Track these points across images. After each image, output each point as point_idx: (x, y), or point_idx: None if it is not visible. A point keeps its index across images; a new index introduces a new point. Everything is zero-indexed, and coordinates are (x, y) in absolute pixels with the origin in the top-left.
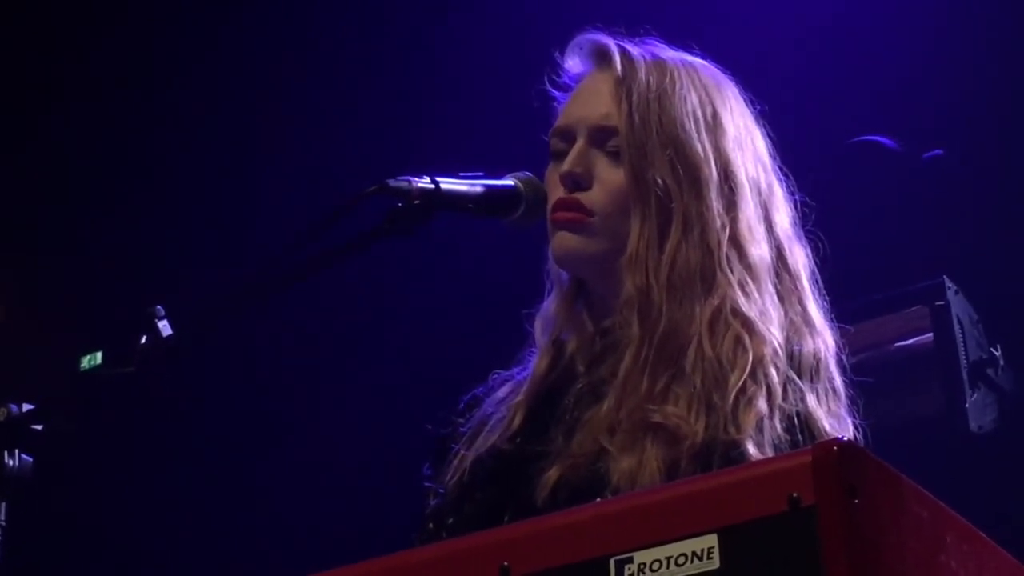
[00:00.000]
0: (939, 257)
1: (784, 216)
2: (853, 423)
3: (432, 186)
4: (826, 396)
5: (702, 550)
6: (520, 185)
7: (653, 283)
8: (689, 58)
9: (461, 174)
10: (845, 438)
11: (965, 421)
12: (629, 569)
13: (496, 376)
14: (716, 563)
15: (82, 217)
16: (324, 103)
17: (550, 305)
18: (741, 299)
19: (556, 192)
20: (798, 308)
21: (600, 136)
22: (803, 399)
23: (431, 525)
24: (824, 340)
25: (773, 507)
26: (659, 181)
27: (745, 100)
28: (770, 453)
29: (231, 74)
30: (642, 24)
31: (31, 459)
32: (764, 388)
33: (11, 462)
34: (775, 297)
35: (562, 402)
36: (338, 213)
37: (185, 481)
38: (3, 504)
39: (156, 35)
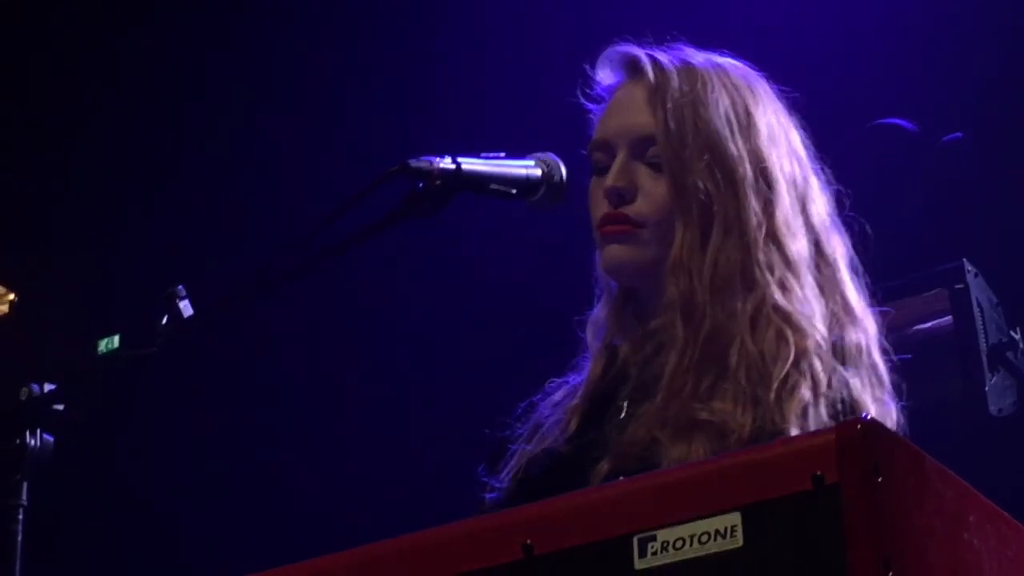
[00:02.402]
0: (959, 240)
1: (821, 207)
2: (896, 407)
3: (453, 167)
4: (870, 383)
5: (725, 528)
6: (542, 166)
7: (696, 286)
8: (718, 59)
9: (482, 154)
10: (869, 416)
11: (984, 404)
12: (652, 547)
13: (552, 384)
14: (739, 541)
15: (103, 199)
16: (345, 85)
17: (600, 312)
18: (781, 296)
19: (601, 207)
20: (838, 299)
21: (640, 147)
22: (847, 386)
23: None
24: (865, 328)
25: (797, 485)
26: (699, 186)
27: (776, 93)
28: None
29: (252, 57)
30: (659, 12)
31: (52, 439)
32: (808, 378)
33: (32, 442)
34: (816, 289)
35: (615, 402)
36: (359, 194)
37: (203, 464)
38: (24, 484)
39: (172, 20)
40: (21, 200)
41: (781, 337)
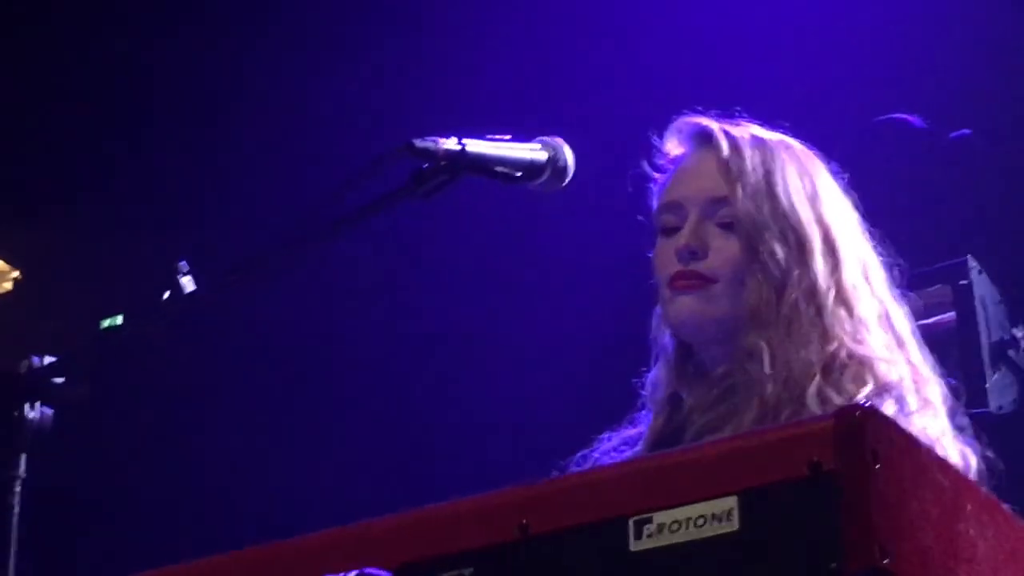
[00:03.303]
0: (964, 237)
1: (881, 277)
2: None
3: (458, 147)
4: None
5: (722, 512)
6: (547, 150)
7: (773, 335)
8: (780, 136)
9: (488, 136)
10: (868, 404)
11: (985, 401)
12: (648, 529)
13: (606, 436)
14: (735, 525)
15: (108, 175)
16: (353, 63)
17: (659, 371)
18: (856, 345)
19: (672, 265)
20: (909, 362)
21: (711, 209)
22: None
23: None
24: (935, 391)
25: (794, 471)
26: (772, 251)
27: (831, 172)
28: None
29: (256, 34)
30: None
31: (51, 411)
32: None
33: (32, 414)
34: (891, 345)
35: (680, 443)
36: (364, 173)
37: (203, 442)
38: (23, 456)
39: None
40: (25, 177)
41: (859, 378)
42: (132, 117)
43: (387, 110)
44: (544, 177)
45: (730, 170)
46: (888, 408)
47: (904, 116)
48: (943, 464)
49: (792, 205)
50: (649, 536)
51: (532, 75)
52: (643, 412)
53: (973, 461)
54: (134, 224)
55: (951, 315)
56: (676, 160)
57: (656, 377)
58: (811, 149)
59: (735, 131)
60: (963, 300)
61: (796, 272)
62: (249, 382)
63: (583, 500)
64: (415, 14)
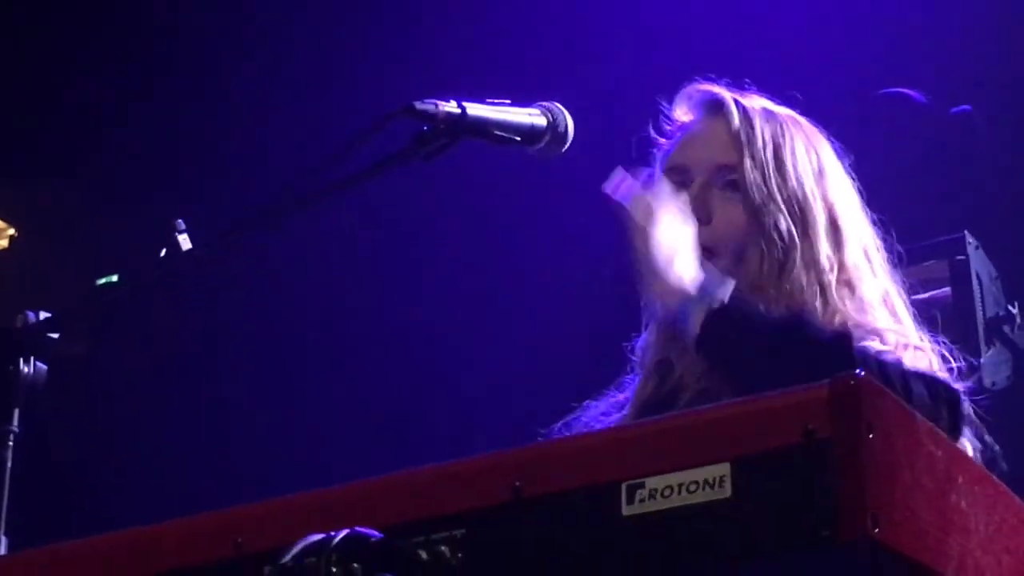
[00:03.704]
0: (962, 212)
1: (880, 260)
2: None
3: (459, 111)
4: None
5: (714, 478)
6: (547, 115)
7: (774, 308)
8: (789, 111)
9: (487, 100)
10: (862, 373)
11: (979, 377)
12: (640, 494)
13: (591, 403)
14: (728, 492)
15: (107, 132)
16: (354, 25)
17: (650, 335)
18: (859, 316)
19: None
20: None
21: (718, 176)
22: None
23: None
24: (931, 360)
25: (788, 439)
26: (776, 223)
27: (835, 152)
28: None
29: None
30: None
31: (45, 367)
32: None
33: (26, 369)
34: (891, 321)
35: (675, 409)
36: (364, 134)
37: (196, 403)
38: (16, 410)
39: None
40: (22, 134)
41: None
42: (130, 76)
43: (388, 72)
44: (543, 142)
45: (740, 139)
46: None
47: (905, 91)
48: (936, 436)
49: (799, 180)
50: (641, 501)
51: (534, 40)
52: (630, 377)
53: (969, 448)
54: (131, 184)
55: (946, 290)
56: (684, 127)
57: (647, 342)
58: (817, 127)
59: (746, 101)
60: (960, 275)
61: (800, 247)
62: (242, 348)
63: (576, 464)
64: None
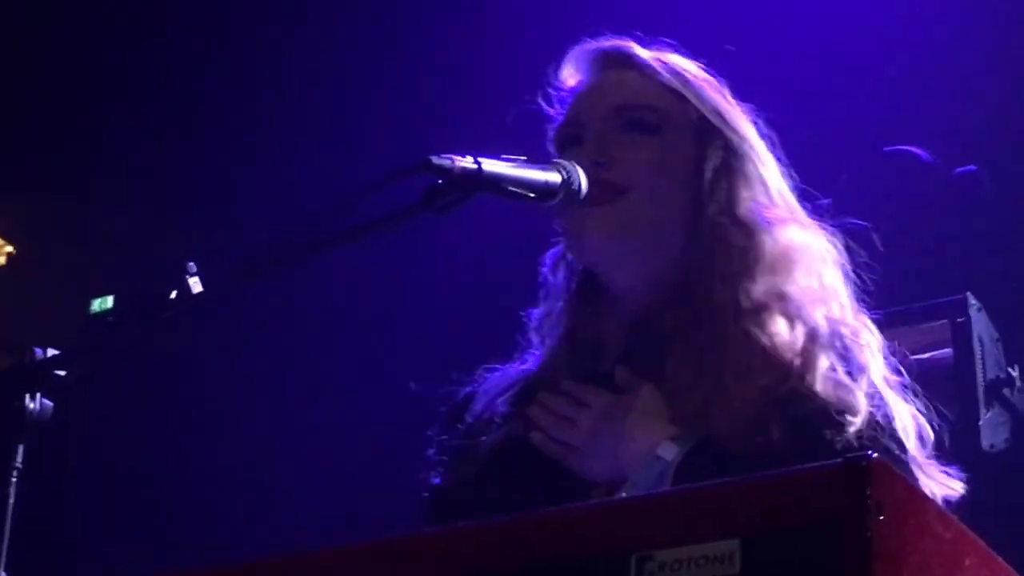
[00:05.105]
0: (964, 273)
1: (797, 206)
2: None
3: (475, 166)
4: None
5: (723, 554)
6: (561, 172)
7: (695, 266)
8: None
9: (503, 156)
10: (875, 455)
11: (978, 438)
12: (649, 567)
13: (489, 374)
14: (736, 568)
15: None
16: (368, 75)
17: (551, 306)
18: (784, 283)
19: None
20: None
21: (616, 118)
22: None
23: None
24: (871, 339)
25: (799, 518)
26: (689, 154)
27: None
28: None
29: (273, 35)
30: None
31: (52, 404)
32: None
33: (32, 405)
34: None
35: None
36: (376, 186)
37: (200, 433)
38: (20, 447)
39: None
40: (24, 152)
41: (789, 320)
42: (143, 109)
43: (402, 125)
44: (557, 199)
45: (636, 71)
46: (822, 361)
47: (912, 149)
48: (945, 517)
49: (715, 109)
50: (651, 573)
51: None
52: (532, 351)
53: (914, 424)
54: (135, 202)
55: (948, 351)
56: (574, 89)
57: (547, 312)
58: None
59: (635, 48)
60: (961, 337)
61: (721, 185)
62: (249, 371)
63: (586, 533)
64: (442, 25)
